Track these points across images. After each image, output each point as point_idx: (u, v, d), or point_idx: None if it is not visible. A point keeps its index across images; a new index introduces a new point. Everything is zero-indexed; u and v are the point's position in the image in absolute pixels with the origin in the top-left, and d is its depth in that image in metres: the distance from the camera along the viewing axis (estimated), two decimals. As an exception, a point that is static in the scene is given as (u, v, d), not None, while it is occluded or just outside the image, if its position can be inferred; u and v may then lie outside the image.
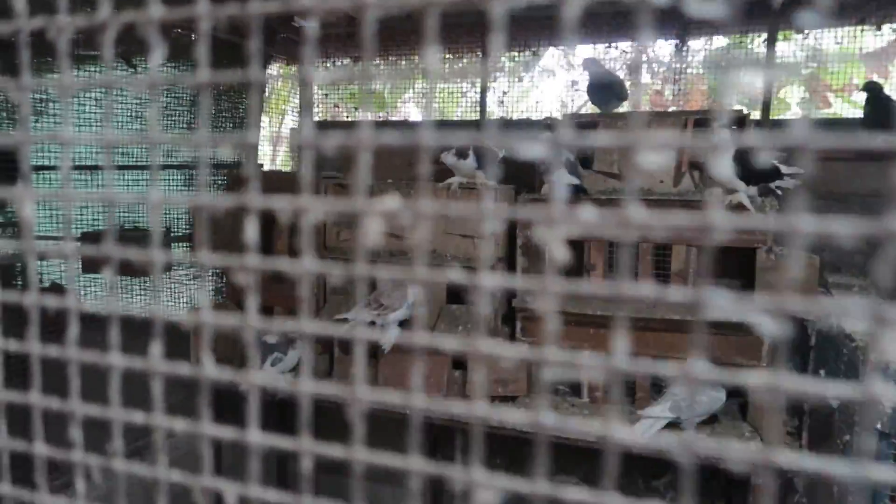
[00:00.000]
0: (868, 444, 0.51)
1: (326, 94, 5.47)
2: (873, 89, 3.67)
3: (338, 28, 5.01)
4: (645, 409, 3.14)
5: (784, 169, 3.22)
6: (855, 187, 3.88)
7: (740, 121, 3.36)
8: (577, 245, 3.60)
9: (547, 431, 0.54)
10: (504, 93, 4.70)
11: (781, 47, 4.07)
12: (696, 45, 4.24)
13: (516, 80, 4.68)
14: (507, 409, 3.40)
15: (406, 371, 3.77)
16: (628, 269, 0.55)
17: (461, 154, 3.67)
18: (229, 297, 4.42)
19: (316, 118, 5.46)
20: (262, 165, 5.00)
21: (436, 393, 3.67)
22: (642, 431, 3.08)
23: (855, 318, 0.45)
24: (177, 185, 4.45)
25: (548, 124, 3.60)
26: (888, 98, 3.67)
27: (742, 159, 3.01)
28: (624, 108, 3.88)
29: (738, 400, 3.42)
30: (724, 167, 3.02)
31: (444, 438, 4.22)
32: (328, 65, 5.29)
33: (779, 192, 3.22)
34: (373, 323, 3.73)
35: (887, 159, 0.50)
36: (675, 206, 3.31)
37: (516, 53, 4.70)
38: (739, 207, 3.10)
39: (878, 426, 2.10)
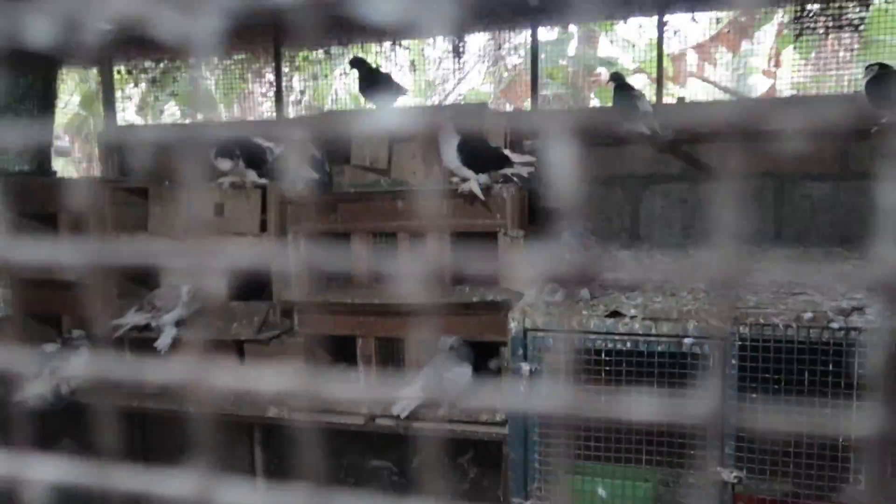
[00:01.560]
0: None
1: (154, 97, 5.53)
2: (618, 79, 4.09)
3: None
4: (400, 392, 3.41)
5: (514, 157, 3.56)
6: (617, 170, 4.30)
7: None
8: (342, 237, 3.85)
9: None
10: (301, 92, 4.91)
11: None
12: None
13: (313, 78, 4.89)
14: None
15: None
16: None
17: (230, 155, 3.84)
18: (17, 307, 4.42)
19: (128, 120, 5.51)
20: (55, 172, 5.00)
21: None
22: (400, 411, 3.37)
23: None
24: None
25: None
26: (630, 87, 4.10)
27: (470, 149, 3.34)
28: (400, 101, 4.15)
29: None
30: (450, 157, 3.34)
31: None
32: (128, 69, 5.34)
33: (514, 178, 3.57)
34: (148, 326, 3.87)
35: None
36: (428, 197, 3.60)
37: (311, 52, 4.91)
38: (472, 194, 3.42)
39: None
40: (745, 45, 5.86)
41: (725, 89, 6.12)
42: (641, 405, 0.55)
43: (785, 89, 4.94)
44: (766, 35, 6.16)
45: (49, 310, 4.30)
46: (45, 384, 3.87)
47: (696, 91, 6.45)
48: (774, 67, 6.61)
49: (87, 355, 3.99)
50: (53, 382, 3.90)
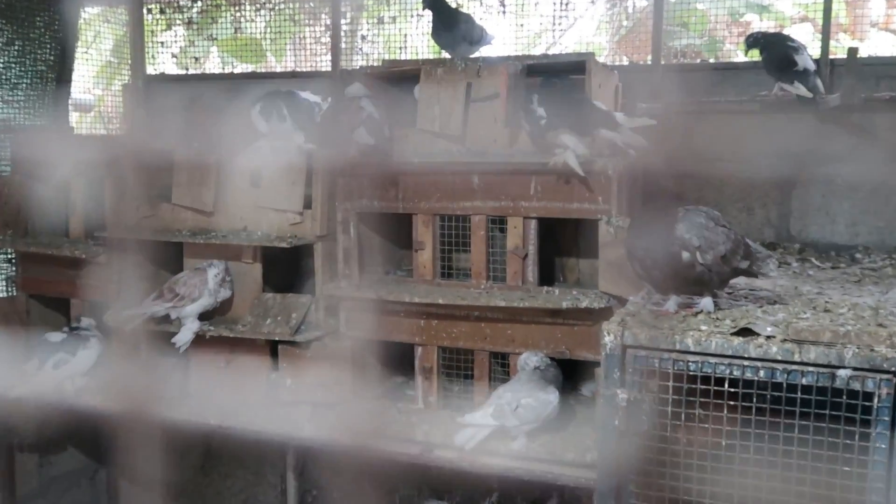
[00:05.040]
0: None
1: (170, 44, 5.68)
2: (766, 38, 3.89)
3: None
4: (465, 416, 3.34)
5: (625, 121, 3.40)
6: (763, 145, 4.07)
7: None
8: (403, 219, 3.79)
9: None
10: (363, 37, 4.89)
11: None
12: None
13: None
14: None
15: (220, 374, 3.98)
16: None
17: (273, 113, 3.85)
18: (24, 287, 4.61)
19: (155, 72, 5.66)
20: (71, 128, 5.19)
21: (253, 399, 3.88)
22: (464, 442, 3.29)
23: None
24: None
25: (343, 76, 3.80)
26: (787, 38, 3.87)
27: (560, 107, 3.21)
28: (480, 53, 4.06)
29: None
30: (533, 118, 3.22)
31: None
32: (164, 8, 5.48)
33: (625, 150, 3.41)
34: (167, 317, 3.94)
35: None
36: (507, 173, 3.50)
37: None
38: (567, 169, 3.28)
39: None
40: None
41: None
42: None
43: None
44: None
45: (56, 291, 4.46)
46: (47, 381, 4.01)
47: (877, 46, 6.04)
48: None
49: (97, 348, 4.13)
50: (56, 379, 4.04)
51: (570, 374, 3.54)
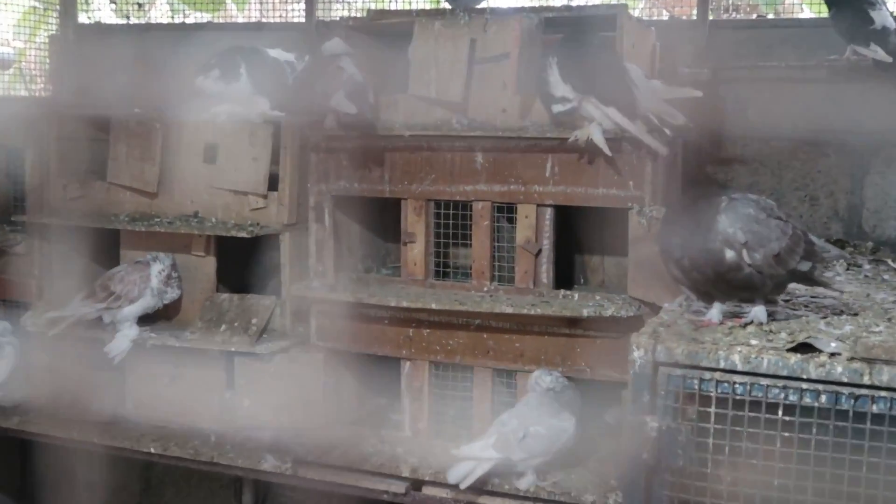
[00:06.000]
0: None
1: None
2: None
3: None
4: (462, 447, 3.34)
5: (663, 89, 3.41)
6: (830, 122, 4.09)
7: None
8: (389, 205, 3.80)
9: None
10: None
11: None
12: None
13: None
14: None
15: (163, 391, 3.98)
16: None
17: (229, 73, 3.85)
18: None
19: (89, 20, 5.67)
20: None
21: (203, 422, 3.90)
22: (460, 478, 3.29)
23: None
24: None
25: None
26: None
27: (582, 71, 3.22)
28: (487, 3, 4.06)
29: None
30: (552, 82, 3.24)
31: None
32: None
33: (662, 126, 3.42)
34: (100, 320, 3.95)
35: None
36: (518, 149, 3.51)
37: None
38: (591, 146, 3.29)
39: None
40: None
41: None
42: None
43: None
44: None
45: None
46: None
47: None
48: None
49: (11, 358, 4.13)
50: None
51: (590, 398, 3.55)
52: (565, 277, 3.76)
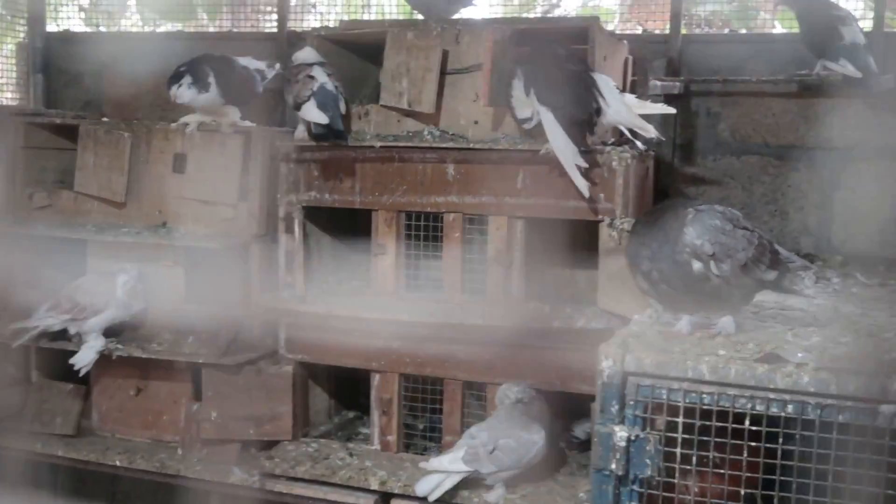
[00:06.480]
0: None
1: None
2: None
3: None
4: (431, 460, 3.34)
5: (634, 103, 3.44)
6: (800, 135, 4.12)
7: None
8: (360, 216, 3.80)
9: None
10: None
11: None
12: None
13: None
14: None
15: (129, 404, 3.96)
16: None
17: (199, 83, 3.84)
18: None
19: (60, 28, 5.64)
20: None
21: (170, 436, 3.88)
22: (429, 491, 3.29)
23: None
24: None
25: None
26: (831, 5, 3.93)
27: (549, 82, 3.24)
28: (460, 14, 4.08)
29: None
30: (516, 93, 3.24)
31: None
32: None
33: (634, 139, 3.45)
34: (64, 332, 3.92)
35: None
36: (490, 161, 3.51)
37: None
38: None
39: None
40: None
41: None
42: None
43: None
44: None
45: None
46: None
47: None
48: None
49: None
50: None
51: (561, 412, 3.56)
52: (536, 290, 3.76)
